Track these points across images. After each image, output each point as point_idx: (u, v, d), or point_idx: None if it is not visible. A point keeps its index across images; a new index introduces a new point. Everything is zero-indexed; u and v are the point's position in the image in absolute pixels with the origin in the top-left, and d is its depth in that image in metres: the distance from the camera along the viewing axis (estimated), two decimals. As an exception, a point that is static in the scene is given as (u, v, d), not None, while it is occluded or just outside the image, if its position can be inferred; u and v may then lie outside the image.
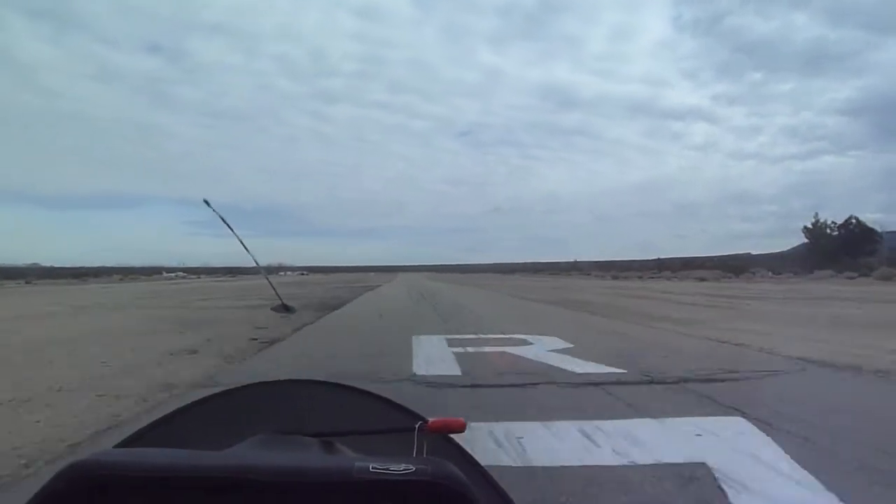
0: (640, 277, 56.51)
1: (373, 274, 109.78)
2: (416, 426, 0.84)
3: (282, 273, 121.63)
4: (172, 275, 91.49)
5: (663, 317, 10.99)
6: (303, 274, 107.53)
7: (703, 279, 43.23)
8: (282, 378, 1.08)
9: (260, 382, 1.05)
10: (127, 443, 0.88)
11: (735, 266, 56.22)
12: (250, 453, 0.76)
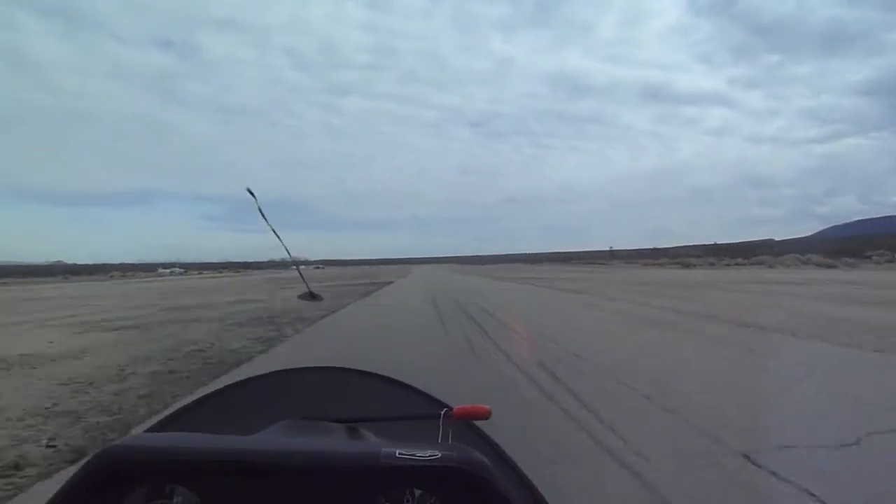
0: (689, 265, 56.33)
1: (394, 267, 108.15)
2: (441, 413, 0.85)
3: (293, 267, 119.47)
4: (168, 271, 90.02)
5: None
6: (318, 268, 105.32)
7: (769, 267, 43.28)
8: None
9: (286, 369, 1.07)
10: (157, 428, 0.91)
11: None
12: (278, 438, 0.77)
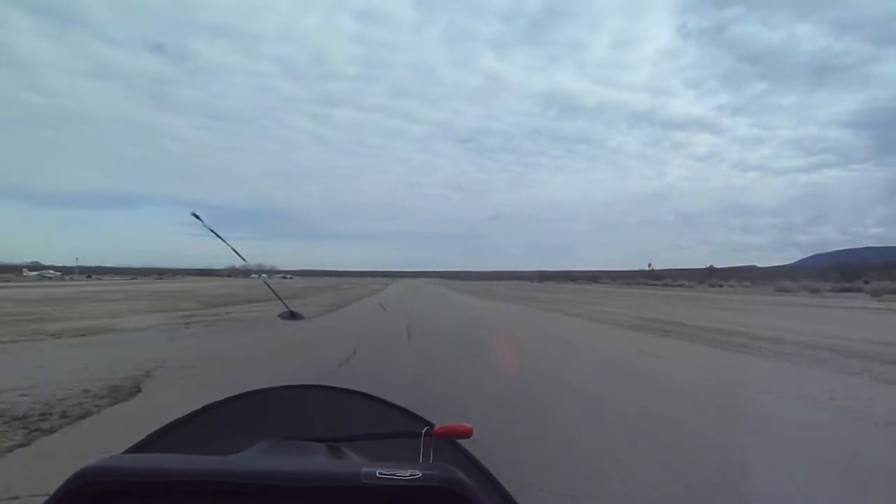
0: (672, 286, 56.89)
1: (372, 280, 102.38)
2: (423, 431, 0.85)
3: (254, 276, 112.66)
4: (35, 274, 72.31)
5: None
6: (285, 277, 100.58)
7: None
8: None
9: (267, 388, 1.06)
10: (136, 448, 0.89)
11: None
12: (258, 458, 0.77)
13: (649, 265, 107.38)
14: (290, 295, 27.36)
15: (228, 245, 1.34)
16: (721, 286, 60.30)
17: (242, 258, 1.38)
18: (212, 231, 1.31)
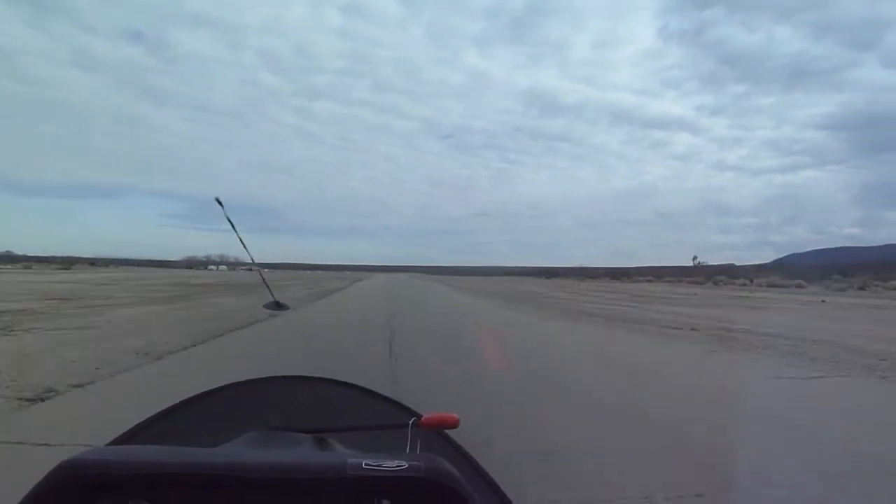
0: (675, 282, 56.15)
1: (348, 273, 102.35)
2: (410, 422, 0.85)
3: (212, 267, 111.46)
4: None
5: None
6: (250, 270, 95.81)
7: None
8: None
9: (253, 379, 1.05)
10: (119, 441, 0.88)
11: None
12: (243, 450, 0.76)
13: (695, 259, 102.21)
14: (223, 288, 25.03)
15: (238, 236, 1.32)
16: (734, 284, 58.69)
17: (248, 252, 1.36)
18: (228, 220, 1.29)
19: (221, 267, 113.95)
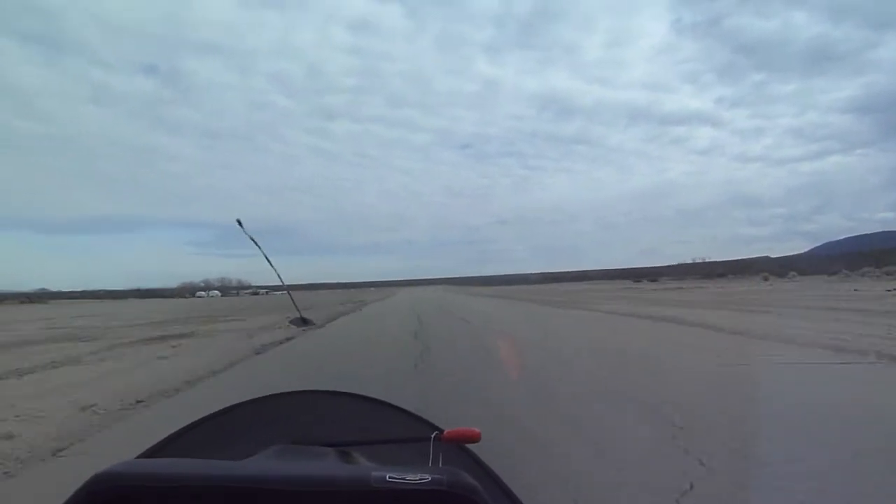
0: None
1: (374, 290, 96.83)
2: (432, 436, 0.85)
3: (201, 294, 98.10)
4: None
5: None
6: (256, 293, 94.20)
7: None
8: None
9: (277, 393, 1.07)
10: (148, 454, 0.90)
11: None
12: (268, 463, 0.77)
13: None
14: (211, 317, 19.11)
15: (263, 253, 1.30)
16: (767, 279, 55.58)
17: (276, 271, 1.36)
18: (252, 240, 1.27)
19: (213, 292, 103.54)
